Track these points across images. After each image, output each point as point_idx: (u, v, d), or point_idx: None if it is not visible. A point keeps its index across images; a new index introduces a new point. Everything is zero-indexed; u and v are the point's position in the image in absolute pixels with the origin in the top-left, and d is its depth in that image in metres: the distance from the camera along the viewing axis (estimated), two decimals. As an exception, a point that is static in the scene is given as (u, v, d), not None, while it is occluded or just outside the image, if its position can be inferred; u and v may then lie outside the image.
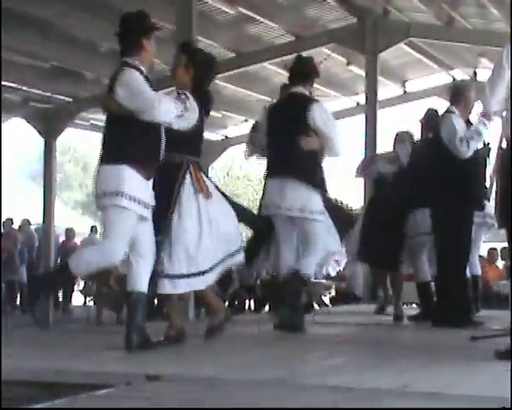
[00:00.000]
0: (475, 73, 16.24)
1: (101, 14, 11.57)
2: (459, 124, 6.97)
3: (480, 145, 7.06)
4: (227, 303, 15.36)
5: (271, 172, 6.47)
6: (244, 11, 12.50)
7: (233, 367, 4.23)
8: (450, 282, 7.03)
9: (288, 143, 6.28)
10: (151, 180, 4.93)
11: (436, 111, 8.19)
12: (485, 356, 4.71)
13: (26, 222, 18.24)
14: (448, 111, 7.18)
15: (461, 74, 16.51)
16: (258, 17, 12.93)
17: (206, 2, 11.65)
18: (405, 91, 17.46)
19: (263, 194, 6.64)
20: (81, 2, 11.26)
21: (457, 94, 7.29)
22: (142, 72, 4.89)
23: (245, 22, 13.15)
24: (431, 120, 8.02)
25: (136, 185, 4.79)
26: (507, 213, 4.78)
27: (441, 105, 13.65)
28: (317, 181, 6.32)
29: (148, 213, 4.90)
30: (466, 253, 7.26)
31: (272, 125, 6.47)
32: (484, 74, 15.55)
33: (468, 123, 7.31)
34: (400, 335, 6.94)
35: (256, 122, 7.11)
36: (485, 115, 6.54)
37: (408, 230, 7.80)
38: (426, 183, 7.40)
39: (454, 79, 16.72)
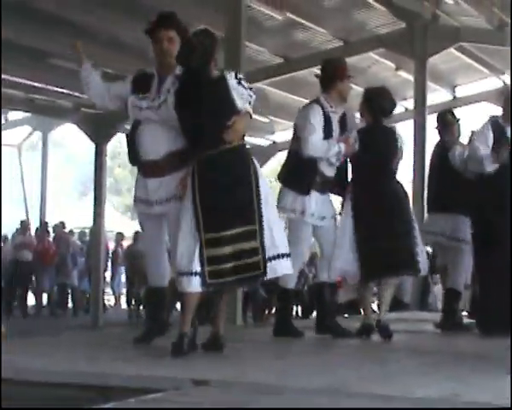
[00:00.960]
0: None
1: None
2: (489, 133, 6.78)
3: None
4: (274, 309, 15.39)
5: None
6: (292, 17, 12.52)
7: (281, 373, 4.23)
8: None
9: None
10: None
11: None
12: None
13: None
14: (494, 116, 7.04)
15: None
16: (306, 22, 12.94)
17: (254, 8, 11.68)
18: (455, 97, 17.31)
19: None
20: (130, 8, 11.37)
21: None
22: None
23: (293, 28, 13.18)
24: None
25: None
26: None
27: (491, 110, 13.58)
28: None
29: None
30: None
31: None
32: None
33: None
34: (448, 342, 6.87)
35: None
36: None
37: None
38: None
39: (505, 83, 16.53)
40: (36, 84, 15.28)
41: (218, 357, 4.90)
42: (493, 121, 6.85)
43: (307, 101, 6.66)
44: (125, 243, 18.79)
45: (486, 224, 6.61)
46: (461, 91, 17.31)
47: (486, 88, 17.17)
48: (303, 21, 12.82)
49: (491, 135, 6.68)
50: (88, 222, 18.46)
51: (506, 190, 6.52)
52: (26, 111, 18.33)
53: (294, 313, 15.39)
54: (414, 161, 12.60)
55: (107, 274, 18.53)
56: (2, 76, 13.76)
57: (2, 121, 20.57)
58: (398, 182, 6.45)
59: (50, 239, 17.77)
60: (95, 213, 16.71)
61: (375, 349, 5.95)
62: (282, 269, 4.89)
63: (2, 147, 18.30)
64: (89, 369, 4.14)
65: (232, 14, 9.42)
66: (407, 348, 6.01)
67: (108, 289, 19.49)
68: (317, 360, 5.14)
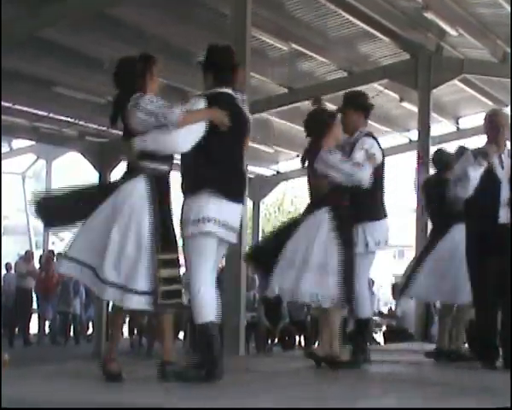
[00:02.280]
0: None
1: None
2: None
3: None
4: (277, 339, 15.31)
5: None
6: (297, 47, 12.59)
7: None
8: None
9: None
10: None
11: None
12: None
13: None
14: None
15: (515, 111, 16.38)
16: (310, 53, 13.01)
17: (259, 39, 11.75)
18: (458, 128, 17.35)
19: None
20: (129, 40, 11.43)
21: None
22: None
23: (297, 58, 13.25)
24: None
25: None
26: None
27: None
28: None
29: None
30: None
31: None
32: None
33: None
34: (453, 375, 6.82)
35: None
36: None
37: None
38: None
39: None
40: (40, 112, 15.37)
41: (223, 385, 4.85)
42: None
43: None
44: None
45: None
46: (464, 123, 17.36)
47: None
48: (307, 52, 12.89)
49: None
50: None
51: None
52: (31, 139, 18.40)
53: (297, 342, 15.34)
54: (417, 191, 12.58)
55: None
56: (8, 104, 13.87)
57: (7, 149, 20.64)
58: None
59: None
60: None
61: (378, 381, 5.90)
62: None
63: (7, 175, 18.31)
64: (91, 399, 4.12)
65: (237, 44, 9.45)
66: (411, 380, 5.98)
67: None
68: (309, 390, 5.10)
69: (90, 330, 18.43)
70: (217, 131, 4.93)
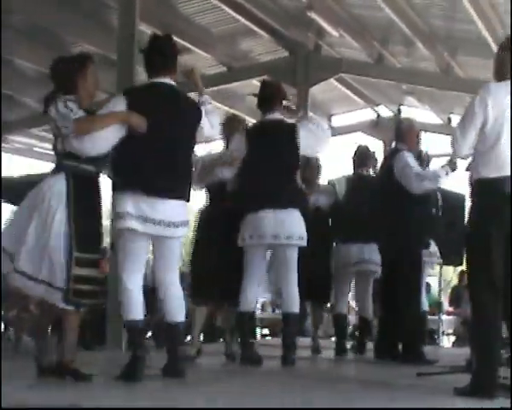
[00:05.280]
0: (399, 110, 16.61)
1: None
2: (412, 160, 7.14)
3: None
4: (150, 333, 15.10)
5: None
6: (178, 40, 12.45)
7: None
8: (406, 318, 7.09)
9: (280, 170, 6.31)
10: None
11: (367, 147, 8.38)
12: (437, 392, 4.82)
13: None
14: (398, 149, 7.34)
15: (385, 110, 16.89)
16: (191, 47, 12.94)
17: (142, 32, 11.57)
18: (331, 126, 17.70)
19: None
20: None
21: (401, 132, 7.48)
22: None
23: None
24: (362, 156, 8.23)
25: None
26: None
27: (365, 140, 13.98)
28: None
29: None
30: (419, 290, 7.36)
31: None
32: (409, 112, 15.97)
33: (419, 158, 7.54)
34: (343, 370, 6.99)
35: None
36: (451, 164, 6.80)
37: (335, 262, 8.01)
38: (367, 218, 7.55)
39: (378, 115, 17.08)
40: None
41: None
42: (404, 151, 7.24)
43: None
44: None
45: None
46: (336, 121, 17.76)
47: (360, 119, 17.69)
48: (188, 45, 12.81)
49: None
50: None
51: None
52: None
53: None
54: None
55: None
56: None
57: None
58: None
59: None
60: None
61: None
62: None
63: None
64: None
65: (124, 37, 9.33)
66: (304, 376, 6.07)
67: None
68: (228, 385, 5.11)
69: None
70: (135, 132, 4.88)
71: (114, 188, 5.00)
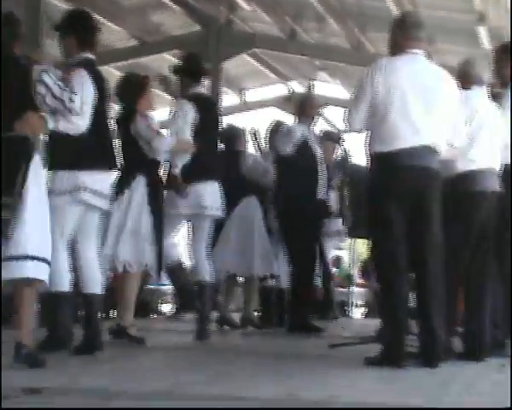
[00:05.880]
0: (311, 85, 16.72)
1: None
2: (294, 129, 7.47)
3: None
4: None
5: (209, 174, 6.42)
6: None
7: (123, 379, 4.14)
8: (301, 290, 7.25)
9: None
10: None
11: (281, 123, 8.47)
12: (349, 362, 4.92)
13: None
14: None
15: (298, 86, 16.98)
16: (103, 20, 12.71)
17: (50, 4, 11.34)
18: (244, 101, 17.71)
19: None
20: None
21: (299, 106, 7.70)
22: None
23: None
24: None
25: None
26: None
27: (279, 115, 14.07)
28: None
29: None
30: (313, 261, 7.52)
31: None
32: (321, 87, 16.12)
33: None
34: (258, 342, 7.04)
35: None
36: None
37: None
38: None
39: (290, 89, 17.15)
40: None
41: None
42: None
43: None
44: None
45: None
46: (250, 96, 17.77)
47: (273, 93, 17.77)
48: (100, 18, 12.59)
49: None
50: None
51: None
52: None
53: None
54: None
55: None
56: None
57: None
58: None
59: None
60: None
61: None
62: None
63: None
64: None
65: (30, 11, 9.14)
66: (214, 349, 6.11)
67: None
68: (138, 364, 5.10)
69: None
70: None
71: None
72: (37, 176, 4.36)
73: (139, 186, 5.98)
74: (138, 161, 6.05)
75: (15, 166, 4.28)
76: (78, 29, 5.06)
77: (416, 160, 4.61)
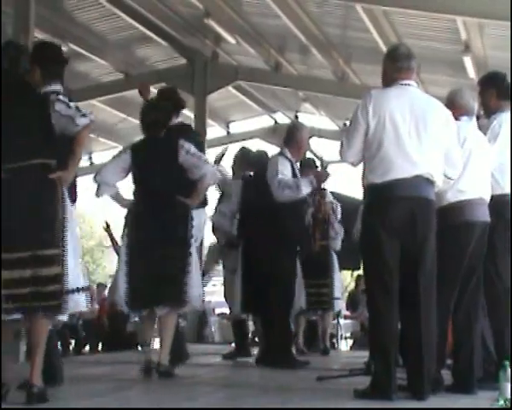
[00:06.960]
0: (296, 117, 16.78)
1: None
2: (284, 166, 7.04)
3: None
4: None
5: None
6: (74, 47, 12.29)
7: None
8: (277, 322, 7.08)
9: None
10: None
11: (248, 150, 8.40)
12: (338, 395, 4.89)
13: None
14: (279, 153, 7.32)
15: (283, 117, 17.04)
16: (87, 54, 12.78)
17: (36, 38, 11.35)
18: (229, 132, 17.75)
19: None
20: None
21: (290, 136, 7.37)
22: None
23: (75, 59, 12.93)
24: (243, 158, 8.23)
25: None
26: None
27: (264, 146, 14.08)
28: None
29: None
30: (290, 293, 7.32)
31: None
32: (306, 118, 16.15)
33: (301, 164, 7.62)
34: (249, 375, 6.99)
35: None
36: (318, 176, 6.88)
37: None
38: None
39: (276, 121, 17.23)
40: None
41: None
42: (284, 156, 7.20)
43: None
44: None
45: None
46: (234, 128, 17.81)
47: (258, 125, 17.81)
48: (85, 53, 12.66)
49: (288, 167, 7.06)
50: None
51: None
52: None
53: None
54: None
55: None
56: None
57: None
58: None
59: None
60: None
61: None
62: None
63: None
64: None
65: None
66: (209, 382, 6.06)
67: None
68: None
69: None
70: None
71: None
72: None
73: None
74: None
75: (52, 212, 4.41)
76: (42, 61, 5.05)
77: (411, 190, 4.61)
